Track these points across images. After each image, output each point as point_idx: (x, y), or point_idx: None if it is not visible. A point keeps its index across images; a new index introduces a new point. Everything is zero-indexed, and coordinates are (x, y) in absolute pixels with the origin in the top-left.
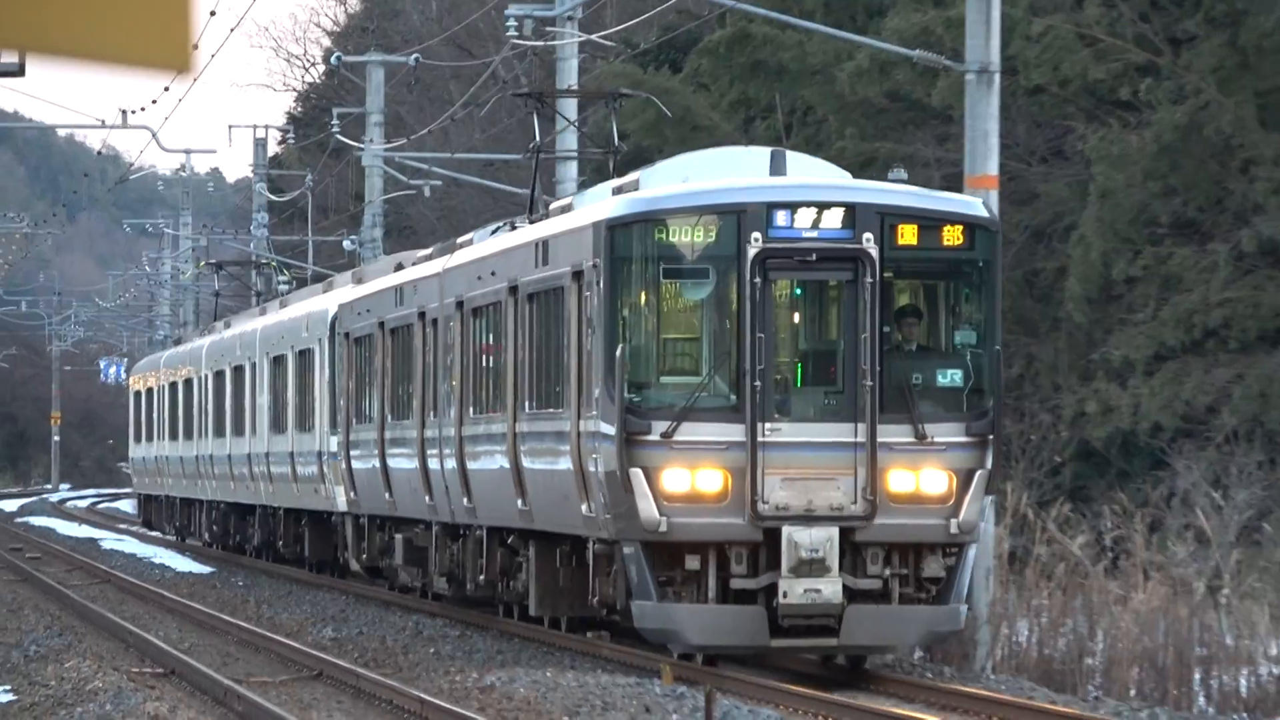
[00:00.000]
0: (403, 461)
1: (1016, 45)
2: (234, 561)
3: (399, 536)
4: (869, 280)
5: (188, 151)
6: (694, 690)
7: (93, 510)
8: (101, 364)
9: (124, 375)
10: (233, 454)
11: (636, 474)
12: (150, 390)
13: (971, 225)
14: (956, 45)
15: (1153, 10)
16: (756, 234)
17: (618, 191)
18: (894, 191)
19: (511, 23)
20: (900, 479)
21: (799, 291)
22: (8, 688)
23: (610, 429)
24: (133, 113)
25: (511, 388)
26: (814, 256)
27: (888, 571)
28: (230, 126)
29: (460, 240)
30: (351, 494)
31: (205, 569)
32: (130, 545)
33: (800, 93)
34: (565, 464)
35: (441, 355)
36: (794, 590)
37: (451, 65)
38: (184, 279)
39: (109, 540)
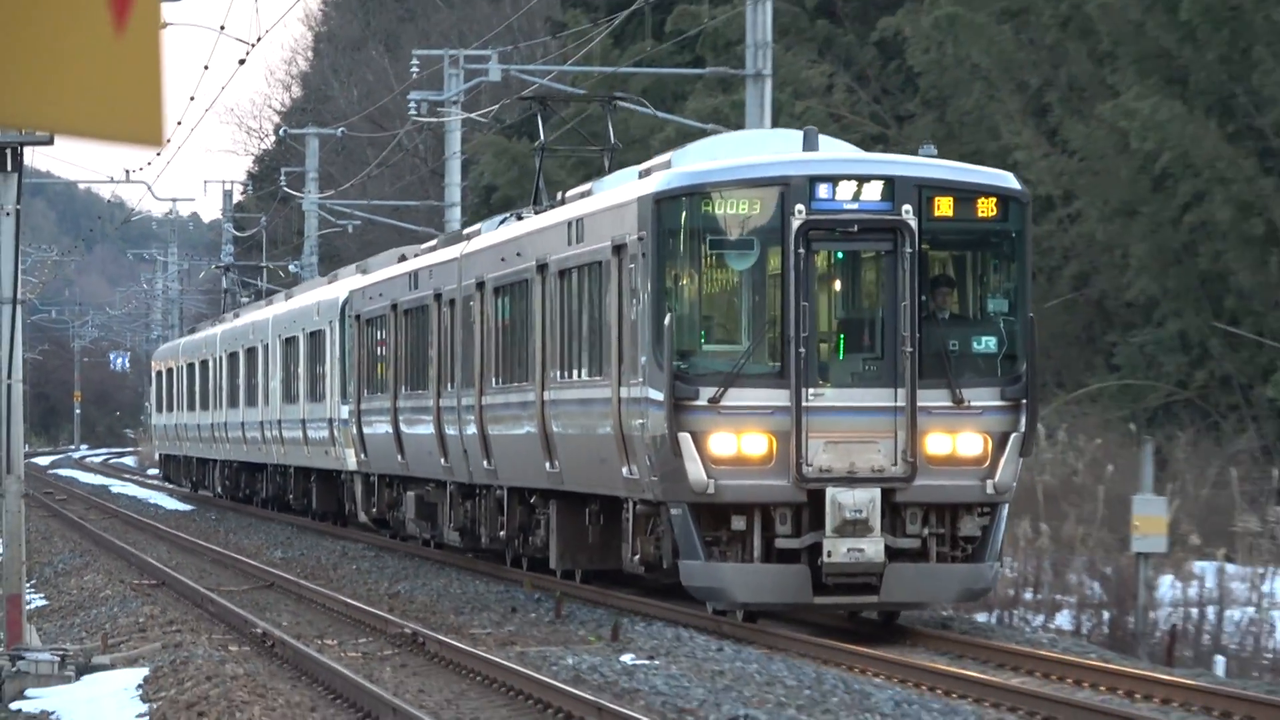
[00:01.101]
0: (417, 428)
1: (783, 121)
2: (209, 503)
3: (410, 494)
4: (908, 250)
5: (174, 200)
6: (547, 596)
7: (105, 465)
8: (111, 356)
9: (127, 365)
10: (245, 421)
11: (685, 438)
12: (170, 370)
13: (1005, 197)
14: (739, 121)
15: (883, 95)
16: (800, 206)
17: (645, 174)
18: (930, 165)
19: (412, 105)
20: (938, 442)
21: (840, 261)
22: (42, 596)
23: (659, 395)
24: (134, 171)
25: (540, 360)
26: (855, 228)
27: (926, 531)
28: (205, 181)
29: (468, 230)
30: (362, 455)
31: (187, 507)
32: (132, 490)
33: (622, 157)
34: (605, 429)
35: (460, 332)
36: (838, 549)
37: (368, 136)
38: (172, 294)
39: (116, 486)
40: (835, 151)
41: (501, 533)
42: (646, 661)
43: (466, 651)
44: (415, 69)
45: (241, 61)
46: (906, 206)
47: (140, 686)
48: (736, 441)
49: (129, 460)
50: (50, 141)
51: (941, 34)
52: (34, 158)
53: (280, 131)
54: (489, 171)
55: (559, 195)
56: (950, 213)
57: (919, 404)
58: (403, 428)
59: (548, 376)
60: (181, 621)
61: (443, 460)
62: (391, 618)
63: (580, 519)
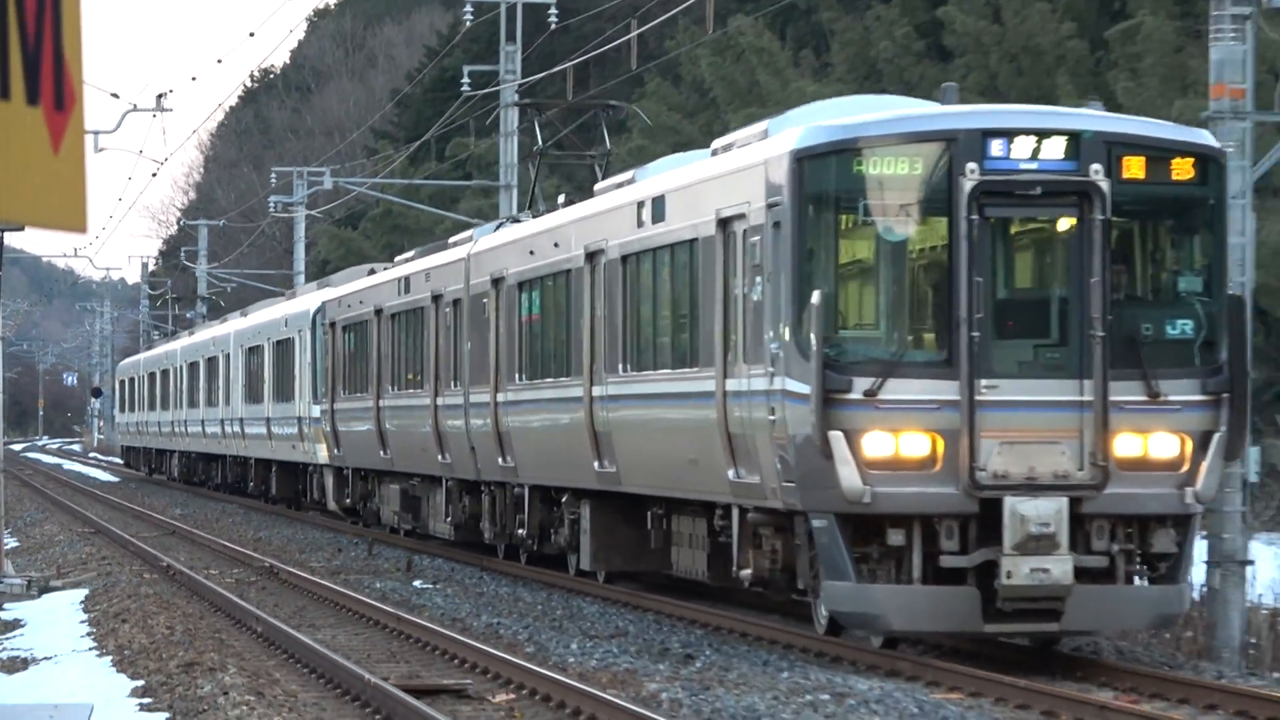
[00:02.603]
0: (406, 425)
1: None
2: (132, 478)
3: (394, 487)
4: (1098, 218)
5: (107, 269)
6: (364, 541)
7: (59, 450)
8: (64, 376)
9: (75, 381)
10: (205, 419)
11: (836, 438)
12: (132, 379)
13: (1204, 157)
14: (493, 217)
15: None
16: (972, 165)
17: (718, 152)
18: (1118, 119)
19: (272, 205)
20: (1129, 443)
21: (1016, 231)
22: (15, 539)
23: (801, 387)
24: (80, 249)
25: (588, 353)
26: (1037, 190)
27: (1115, 547)
28: (129, 255)
29: (456, 238)
30: (335, 451)
31: (115, 479)
32: (78, 468)
33: (417, 241)
34: (700, 426)
35: (468, 330)
36: (1019, 570)
37: (241, 226)
38: (106, 334)
39: (67, 464)
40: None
41: (520, 530)
42: (431, 586)
43: (306, 578)
44: (274, 180)
45: (154, 174)
46: (1095, 166)
47: (82, 602)
48: (895, 442)
49: (76, 447)
50: (22, 228)
51: (632, 160)
52: (10, 239)
53: (180, 223)
54: (324, 250)
55: (562, 198)
56: (1141, 174)
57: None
58: (388, 425)
59: (599, 371)
60: (111, 558)
61: (441, 457)
62: (255, 555)
63: (616, 520)
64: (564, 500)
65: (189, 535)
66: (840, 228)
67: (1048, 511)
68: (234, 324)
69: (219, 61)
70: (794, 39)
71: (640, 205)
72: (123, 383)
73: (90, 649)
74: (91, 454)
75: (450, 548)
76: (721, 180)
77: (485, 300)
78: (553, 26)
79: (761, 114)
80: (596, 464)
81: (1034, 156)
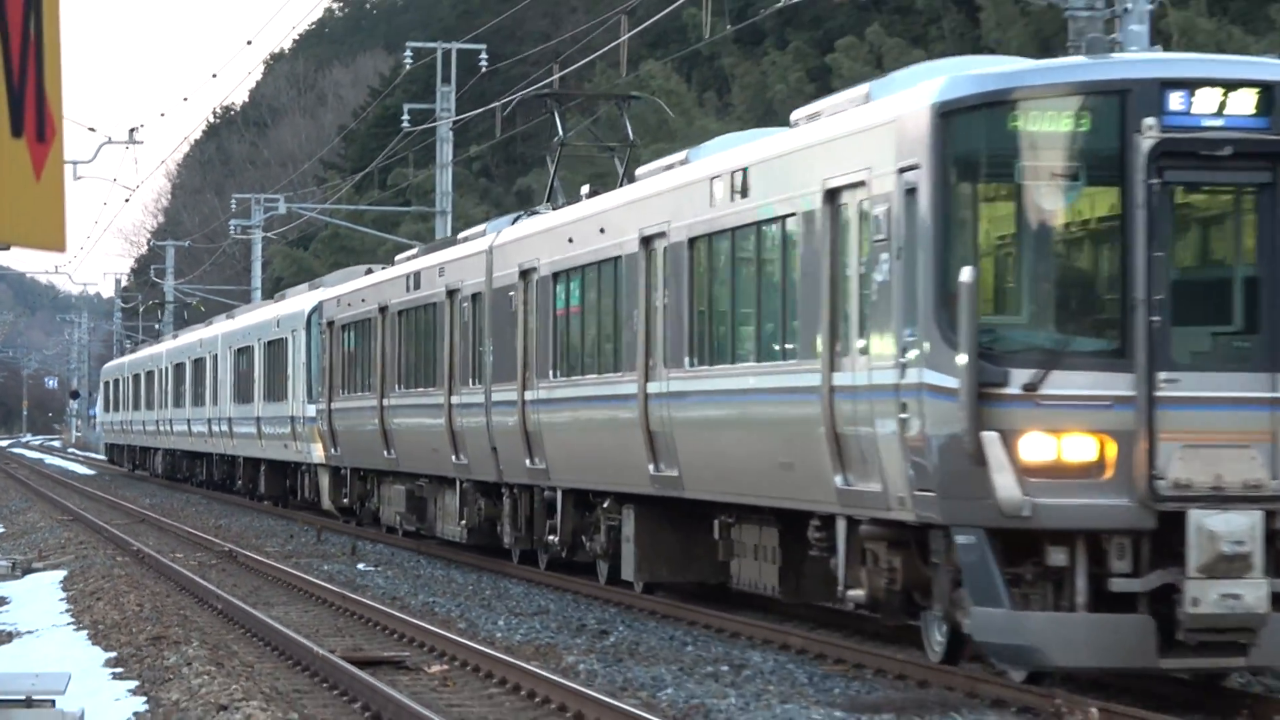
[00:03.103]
0: (415, 424)
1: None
2: (107, 471)
3: (399, 488)
4: None
5: (85, 284)
6: (312, 529)
7: (41, 447)
8: (46, 380)
9: (56, 385)
10: (191, 418)
11: (991, 439)
12: (117, 381)
13: None
14: (429, 238)
15: None
16: (1149, 121)
17: (800, 123)
18: None
19: (232, 227)
20: None
21: (1192, 199)
22: (1, 526)
23: (946, 380)
24: (60, 266)
25: (644, 346)
26: (1227, 151)
27: None
28: (104, 273)
29: (467, 233)
30: (333, 450)
31: (92, 472)
32: (59, 461)
33: (362, 260)
34: (796, 424)
35: (490, 326)
36: (1207, 596)
37: (204, 246)
38: (83, 342)
39: (48, 459)
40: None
41: (551, 536)
42: (373, 569)
43: (262, 561)
44: (234, 205)
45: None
46: None
47: (61, 582)
48: (1057, 445)
49: (56, 443)
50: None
51: (577, 175)
52: None
53: (150, 243)
54: (278, 268)
55: (586, 188)
56: None
57: None
58: (393, 425)
59: (658, 366)
60: (87, 542)
61: (456, 457)
62: (216, 540)
63: (664, 527)
64: (604, 505)
65: (157, 523)
66: (992, 194)
67: (1241, 527)
68: (221, 326)
69: (185, 99)
70: (698, 81)
71: (715, 181)
72: (107, 384)
73: (68, 624)
74: (70, 449)
75: (385, 535)
76: (829, 146)
77: (511, 293)
78: (483, 70)
79: (670, 148)
80: (652, 467)
81: (1220, 111)
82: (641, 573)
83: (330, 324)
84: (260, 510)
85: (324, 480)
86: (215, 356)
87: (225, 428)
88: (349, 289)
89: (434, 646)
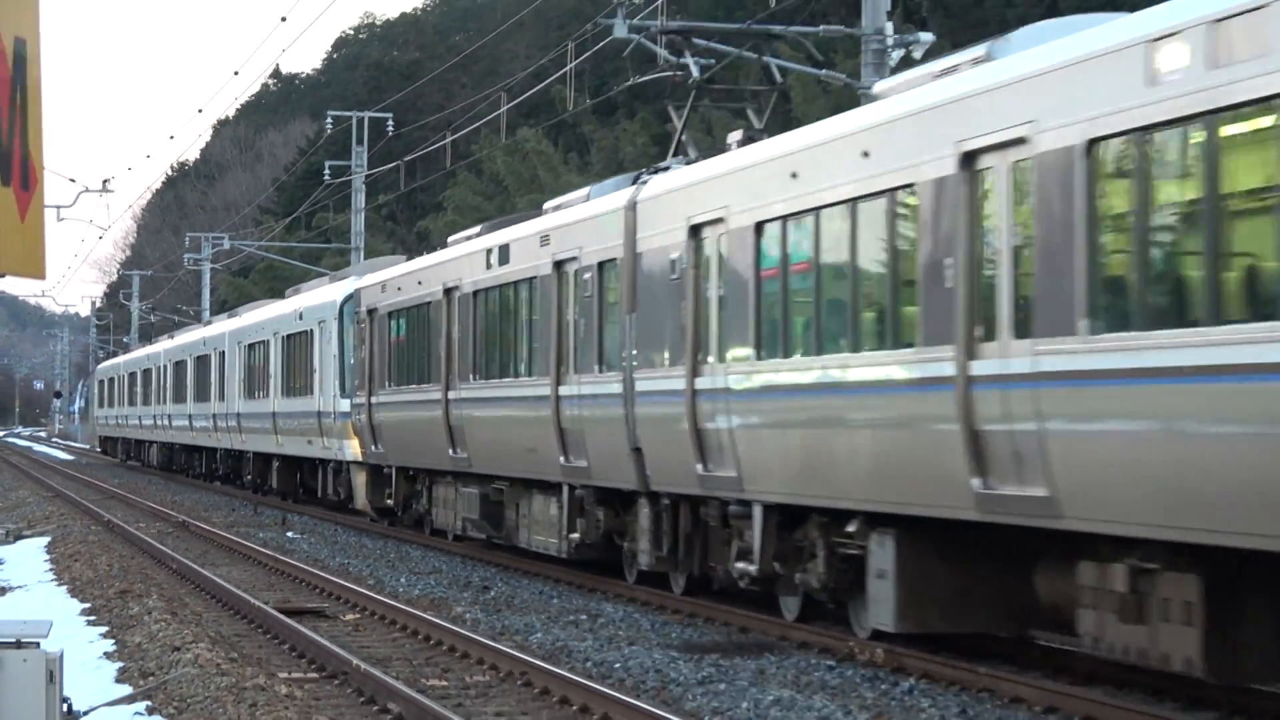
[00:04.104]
0: (493, 419)
1: None
2: (87, 457)
3: (470, 491)
4: None
5: (66, 306)
6: (250, 504)
7: (30, 437)
8: (34, 382)
9: (42, 387)
10: (193, 413)
11: None
12: (112, 379)
13: None
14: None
15: None
16: None
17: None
18: None
19: (187, 259)
20: None
21: None
22: None
23: None
24: (46, 291)
25: (965, 309)
26: None
27: None
28: (82, 296)
29: (555, 203)
30: (373, 448)
31: (71, 458)
32: (45, 449)
33: (293, 284)
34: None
35: (633, 299)
36: None
37: (164, 275)
38: (65, 352)
39: (36, 447)
40: None
41: (742, 563)
42: (299, 536)
43: (209, 530)
44: (187, 242)
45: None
46: None
47: (46, 547)
48: None
49: (42, 434)
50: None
51: (465, 218)
52: None
53: (119, 272)
54: (223, 293)
55: (735, 135)
56: None
57: None
58: (464, 420)
59: (1003, 337)
60: (67, 514)
61: (565, 458)
62: (172, 513)
63: (934, 562)
64: (847, 529)
65: (124, 499)
66: None
67: None
68: (227, 324)
69: (148, 156)
70: (564, 144)
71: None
72: (102, 382)
73: (51, 581)
74: (54, 439)
75: (319, 507)
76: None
77: (674, 256)
78: (390, 134)
79: (540, 199)
80: (978, 481)
81: None
82: (905, 619)
83: (371, 312)
84: (208, 489)
85: (359, 479)
86: (222, 353)
87: (234, 423)
88: (397, 273)
89: (348, 599)
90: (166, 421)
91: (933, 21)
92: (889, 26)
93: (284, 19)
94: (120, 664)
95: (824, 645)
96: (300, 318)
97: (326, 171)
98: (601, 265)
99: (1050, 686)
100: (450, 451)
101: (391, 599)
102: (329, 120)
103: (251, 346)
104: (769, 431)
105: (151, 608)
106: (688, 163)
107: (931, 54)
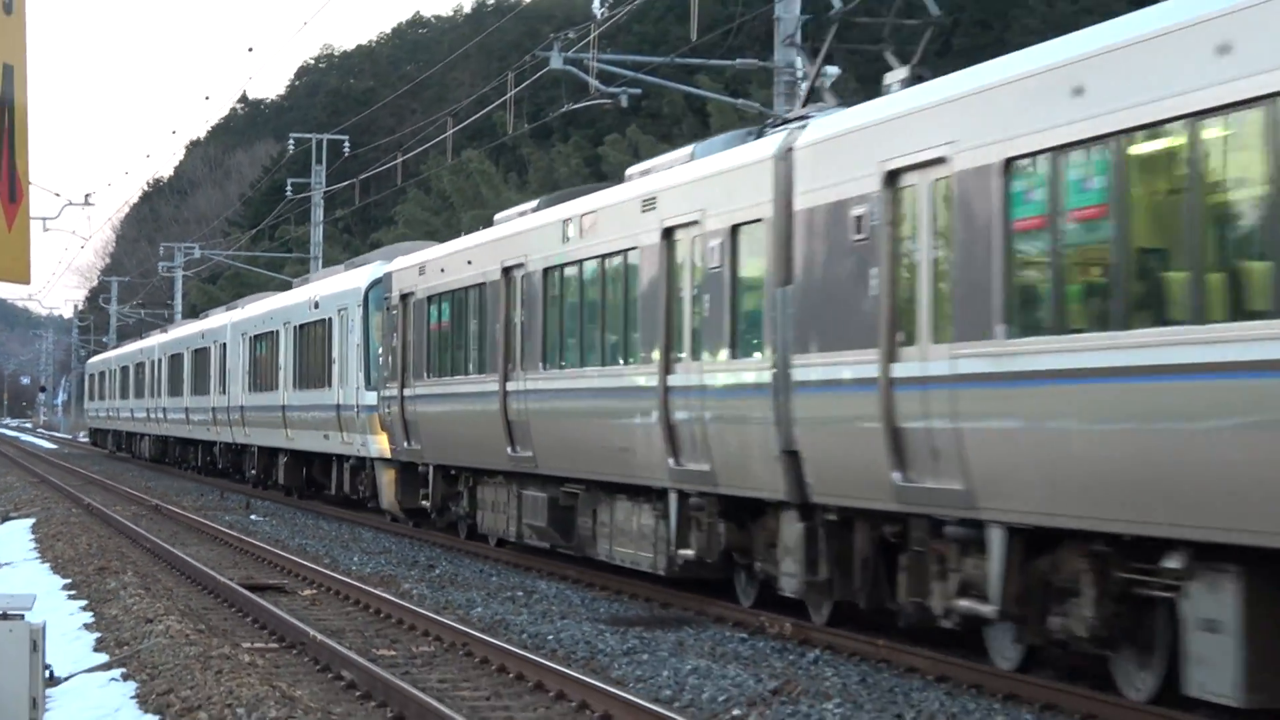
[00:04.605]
0: (565, 412)
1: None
2: (69, 446)
3: (537, 495)
4: None
5: (51, 308)
6: (215, 489)
7: (17, 428)
8: (21, 378)
9: (29, 382)
10: (190, 406)
11: None
12: (102, 373)
13: None
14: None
15: None
16: None
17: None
18: None
19: (161, 268)
20: None
21: None
22: None
23: None
24: (32, 295)
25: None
26: None
27: None
28: (65, 300)
29: (667, 157)
30: (407, 444)
31: (54, 447)
32: (31, 438)
33: (260, 290)
34: None
35: (798, 265)
36: None
37: (139, 281)
38: (49, 351)
39: (24, 436)
40: None
41: (967, 601)
42: (262, 519)
43: (180, 513)
44: (161, 251)
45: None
46: None
47: (31, 527)
48: None
49: (29, 425)
50: None
51: (414, 231)
52: None
53: (99, 279)
54: (194, 298)
55: (901, 73)
56: None
57: None
58: (529, 414)
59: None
60: (50, 498)
61: (674, 460)
62: (146, 497)
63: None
64: (1170, 565)
65: (102, 484)
66: None
67: None
68: (228, 316)
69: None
70: (504, 165)
71: None
72: (92, 376)
73: (36, 558)
74: (39, 430)
75: (274, 493)
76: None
77: (856, 211)
78: (346, 154)
79: (484, 214)
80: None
81: None
82: (1256, 691)
83: (405, 297)
84: (178, 475)
85: (385, 477)
86: (223, 345)
87: (236, 416)
88: (440, 254)
89: (306, 576)
90: (161, 414)
91: (837, 56)
92: (798, 61)
93: (251, 49)
94: (98, 634)
95: (737, 620)
96: (316, 306)
97: (288, 188)
98: (735, 229)
99: (941, 658)
100: (508, 450)
101: (345, 576)
102: (291, 141)
103: (258, 338)
104: (1026, 432)
105: (127, 583)
106: (820, 111)
107: (836, 87)
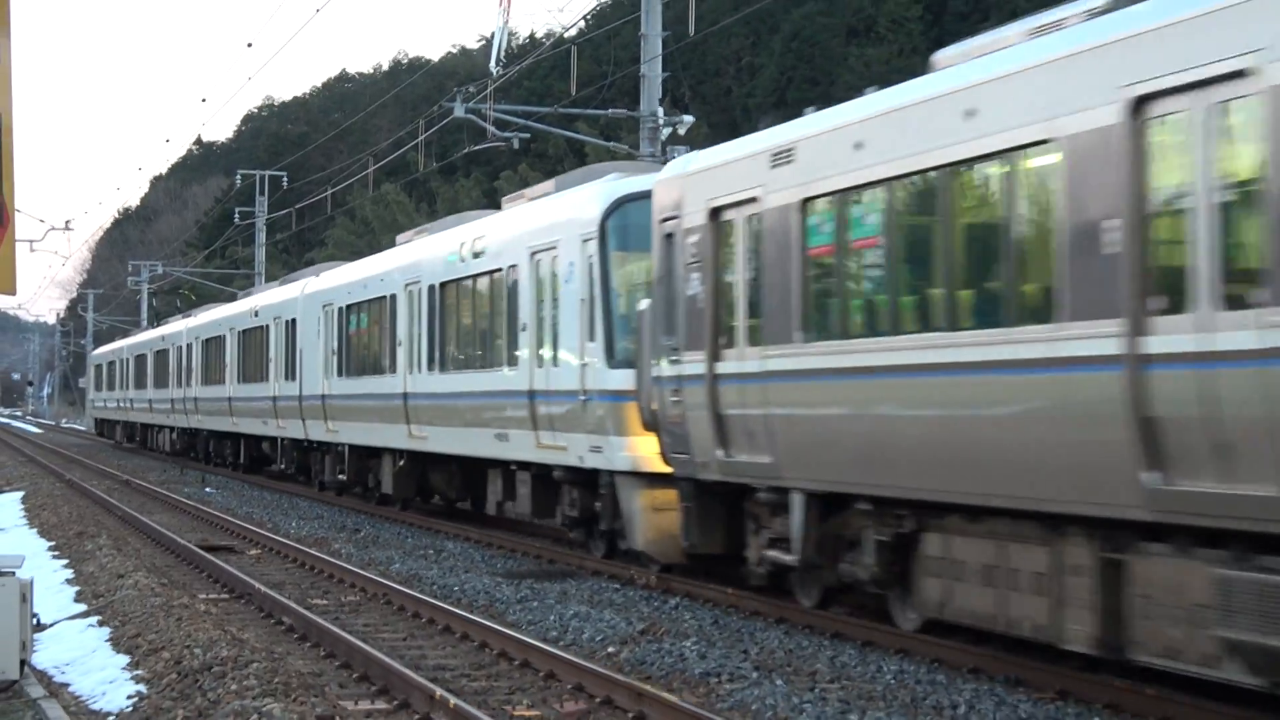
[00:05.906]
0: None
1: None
2: (67, 433)
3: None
4: None
5: (37, 315)
6: (175, 466)
7: (10, 417)
8: (11, 374)
9: (18, 379)
10: (199, 397)
11: None
12: (111, 364)
13: None
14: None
15: None
16: None
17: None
18: None
19: (130, 282)
20: None
21: None
22: None
23: None
24: (22, 304)
25: None
26: None
27: None
28: (50, 309)
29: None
30: (720, 452)
31: (40, 431)
32: (23, 425)
33: (214, 301)
34: None
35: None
36: None
37: (112, 294)
38: (35, 353)
39: (14, 423)
40: None
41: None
42: (215, 492)
43: (147, 486)
44: (130, 268)
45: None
46: None
47: (21, 499)
48: None
49: (19, 414)
50: None
51: (342, 252)
52: None
53: (78, 291)
54: (159, 307)
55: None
56: None
57: None
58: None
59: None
60: (37, 475)
61: (720, 452)
62: (118, 473)
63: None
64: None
65: (81, 463)
66: None
67: None
68: (261, 298)
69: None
70: (416, 196)
71: None
72: (98, 367)
73: (24, 525)
74: (27, 417)
75: (233, 471)
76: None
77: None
78: (285, 188)
79: (391, 240)
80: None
81: None
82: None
83: (716, 213)
84: (144, 455)
85: (643, 502)
86: (293, 320)
87: (317, 403)
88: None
89: (253, 538)
90: (193, 405)
91: (694, 107)
92: (660, 110)
93: (204, 99)
94: (78, 588)
95: (612, 573)
96: (477, 255)
97: (236, 216)
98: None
99: (778, 604)
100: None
101: (285, 538)
102: (238, 177)
103: (349, 309)
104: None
105: (102, 545)
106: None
107: (691, 133)
